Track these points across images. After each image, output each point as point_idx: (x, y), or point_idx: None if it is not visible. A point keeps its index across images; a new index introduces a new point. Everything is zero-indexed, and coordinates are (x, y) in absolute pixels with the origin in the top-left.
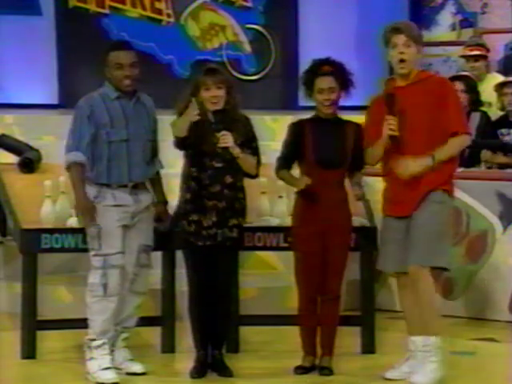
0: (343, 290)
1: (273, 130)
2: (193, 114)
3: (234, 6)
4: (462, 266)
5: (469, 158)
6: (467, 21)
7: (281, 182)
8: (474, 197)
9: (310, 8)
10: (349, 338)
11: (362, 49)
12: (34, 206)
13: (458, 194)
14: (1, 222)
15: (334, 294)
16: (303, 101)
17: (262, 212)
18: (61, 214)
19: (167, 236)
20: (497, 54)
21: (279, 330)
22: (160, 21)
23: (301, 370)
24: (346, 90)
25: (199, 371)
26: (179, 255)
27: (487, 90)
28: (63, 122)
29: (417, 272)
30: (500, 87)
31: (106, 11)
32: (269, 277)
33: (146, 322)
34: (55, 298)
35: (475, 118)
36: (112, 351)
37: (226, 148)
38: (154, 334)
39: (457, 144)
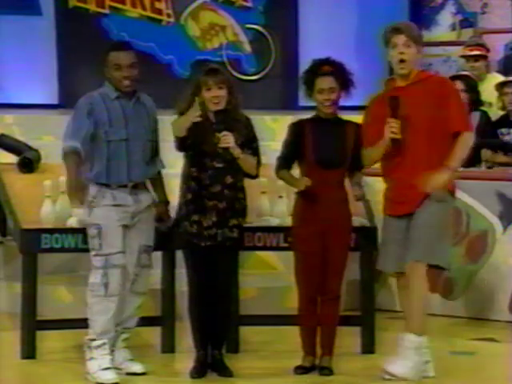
0: (343, 290)
1: (273, 130)
2: (194, 115)
3: (233, 6)
4: (462, 265)
5: (469, 158)
6: (467, 21)
7: (281, 182)
8: (474, 197)
9: (310, 8)
10: (349, 338)
11: (361, 49)
12: (34, 206)
13: (458, 194)
14: (1, 222)
15: (333, 294)
16: (303, 101)
17: (262, 212)
18: (61, 214)
19: (167, 236)
20: (497, 54)
21: (279, 330)
22: (160, 21)
23: (301, 370)
24: (346, 90)
25: (199, 371)
26: (179, 255)
27: (487, 89)
28: (63, 122)
29: (413, 268)
30: (500, 87)
31: (106, 11)
32: (269, 277)
33: (146, 322)
34: (55, 298)
35: (475, 117)
36: (112, 351)
37: (227, 148)
38: (154, 334)
39: (464, 145)
